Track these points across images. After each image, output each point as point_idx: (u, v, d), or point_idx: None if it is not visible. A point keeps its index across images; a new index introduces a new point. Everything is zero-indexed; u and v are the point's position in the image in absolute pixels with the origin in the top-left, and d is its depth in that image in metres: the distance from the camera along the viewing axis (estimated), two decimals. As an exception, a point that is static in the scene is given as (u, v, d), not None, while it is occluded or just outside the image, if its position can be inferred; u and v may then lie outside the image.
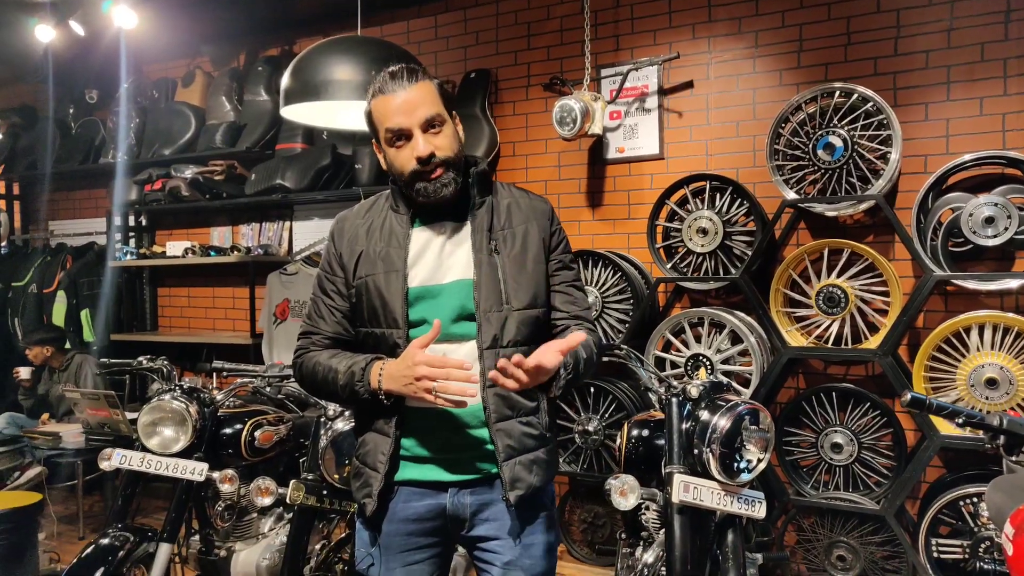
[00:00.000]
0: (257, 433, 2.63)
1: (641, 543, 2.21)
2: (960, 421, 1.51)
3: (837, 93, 3.12)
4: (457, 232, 1.61)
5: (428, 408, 1.51)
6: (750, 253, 3.29)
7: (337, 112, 2.93)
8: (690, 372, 3.28)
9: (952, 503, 2.85)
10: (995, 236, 2.80)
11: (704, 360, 3.27)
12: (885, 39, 3.23)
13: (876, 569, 3.10)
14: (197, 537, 2.72)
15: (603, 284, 3.57)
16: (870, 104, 3.05)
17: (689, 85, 3.63)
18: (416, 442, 1.59)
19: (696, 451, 1.90)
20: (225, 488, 2.40)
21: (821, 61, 3.35)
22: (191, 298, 5.19)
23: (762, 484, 3.05)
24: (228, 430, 2.61)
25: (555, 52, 3.93)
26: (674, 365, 3.35)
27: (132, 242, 5.21)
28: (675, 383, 2.02)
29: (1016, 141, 3.01)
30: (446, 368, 1.42)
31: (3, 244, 5.85)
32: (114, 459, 2.41)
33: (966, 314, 2.88)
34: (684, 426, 1.95)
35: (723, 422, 1.87)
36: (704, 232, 3.35)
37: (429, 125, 1.54)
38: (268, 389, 2.64)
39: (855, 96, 3.08)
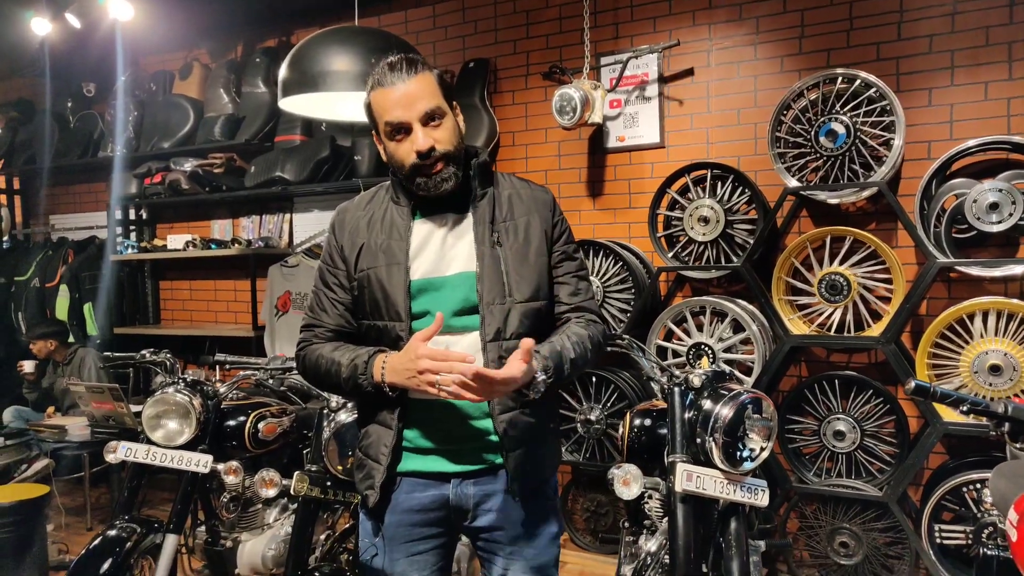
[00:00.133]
0: (260, 425, 2.65)
1: (644, 532, 2.22)
2: (964, 409, 1.51)
3: (839, 79, 3.10)
4: (459, 224, 1.61)
5: (431, 400, 1.51)
6: (752, 241, 3.28)
7: (336, 103, 2.92)
8: (692, 361, 3.28)
9: (955, 489, 2.85)
10: (999, 222, 2.79)
11: (706, 349, 3.26)
12: (888, 24, 3.20)
13: (879, 555, 3.11)
14: (203, 528, 2.75)
15: (604, 274, 3.56)
16: (873, 90, 3.03)
17: (689, 73, 3.61)
18: (419, 433, 1.59)
19: (699, 440, 1.90)
20: (230, 480, 2.42)
21: (823, 47, 3.33)
22: (193, 291, 5.19)
23: (764, 471, 3.06)
24: (232, 422, 2.62)
25: (554, 40, 3.91)
26: (676, 354, 3.35)
27: (133, 236, 5.21)
28: (677, 372, 2.02)
29: (1021, 126, 2.99)
30: (448, 361, 1.42)
31: (4, 239, 5.85)
32: (120, 452, 2.44)
33: (970, 300, 2.87)
34: (687, 415, 1.95)
35: (726, 411, 1.87)
36: (705, 221, 3.34)
37: (429, 118, 1.53)
38: (271, 381, 2.65)
39: (857, 82, 3.06)
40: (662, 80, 3.66)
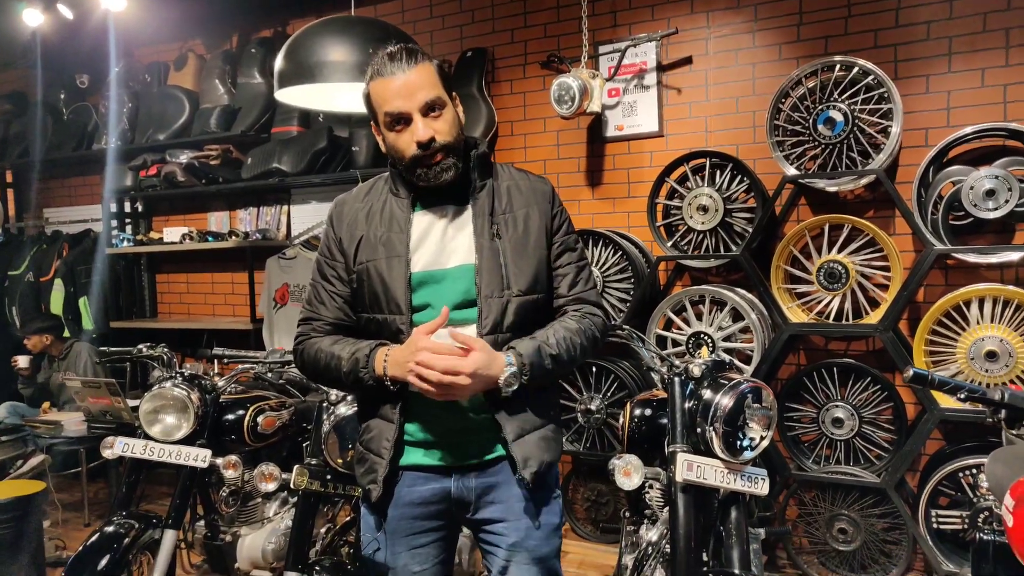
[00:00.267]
0: (259, 419, 2.64)
1: (645, 521, 2.22)
2: (962, 396, 1.52)
3: (837, 67, 3.09)
4: (459, 216, 1.60)
5: (432, 393, 1.50)
6: (751, 230, 3.27)
7: (333, 94, 2.90)
8: (691, 350, 3.29)
9: (952, 475, 2.87)
10: (996, 209, 2.79)
11: (705, 338, 3.27)
12: (886, 10, 3.19)
13: (877, 541, 3.12)
14: (202, 523, 2.75)
15: (604, 263, 3.56)
16: (871, 77, 3.03)
17: (688, 61, 3.59)
18: (420, 427, 1.59)
19: (699, 430, 1.91)
20: (229, 474, 2.41)
21: (821, 34, 3.32)
22: (190, 284, 5.18)
23: (764, 459, 3.07)
24: (230, 416, 2.61)
25: (552, 29, 3.89)
26: (675, 343, 3.35)
27: (129, 229, 5.18)
28: (677, 362, 2.02)
29: (1017, 112, 2.99)
30: (446, 356, 1.42)
31: (-2, 233, 5.83)
32: (117, 447, 2.42)
33: (966, 287, 2.88)
34: (687, 405, 1.96)
35: (726, 401, 1.87)
36: (704, 209, 3.34)
37: (429, 109, 1.52)
38: (270, 375, 2.64)
39: (855, 69, 3.05)
40: (660, 68, 3.64)
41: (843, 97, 3.09)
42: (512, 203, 1.62)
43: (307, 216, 4.65)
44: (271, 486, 2.39)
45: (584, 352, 1.59)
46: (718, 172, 3.39)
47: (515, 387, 1.48)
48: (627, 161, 3.76)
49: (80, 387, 3.76)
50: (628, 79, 3.71)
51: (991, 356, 2.81)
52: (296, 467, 2.39)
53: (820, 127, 3.10)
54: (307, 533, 2.37)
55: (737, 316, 3.26)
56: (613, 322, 3.14)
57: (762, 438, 1.90)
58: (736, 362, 3.18)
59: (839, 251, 3.12)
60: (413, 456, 1.60)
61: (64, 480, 4.33)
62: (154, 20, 4.69)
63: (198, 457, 2.41)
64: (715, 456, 1.89)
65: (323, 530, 2.65)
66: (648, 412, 2.20)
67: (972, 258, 2.99)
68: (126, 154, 4.98)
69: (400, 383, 1.51)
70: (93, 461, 4.00)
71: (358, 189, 1.70)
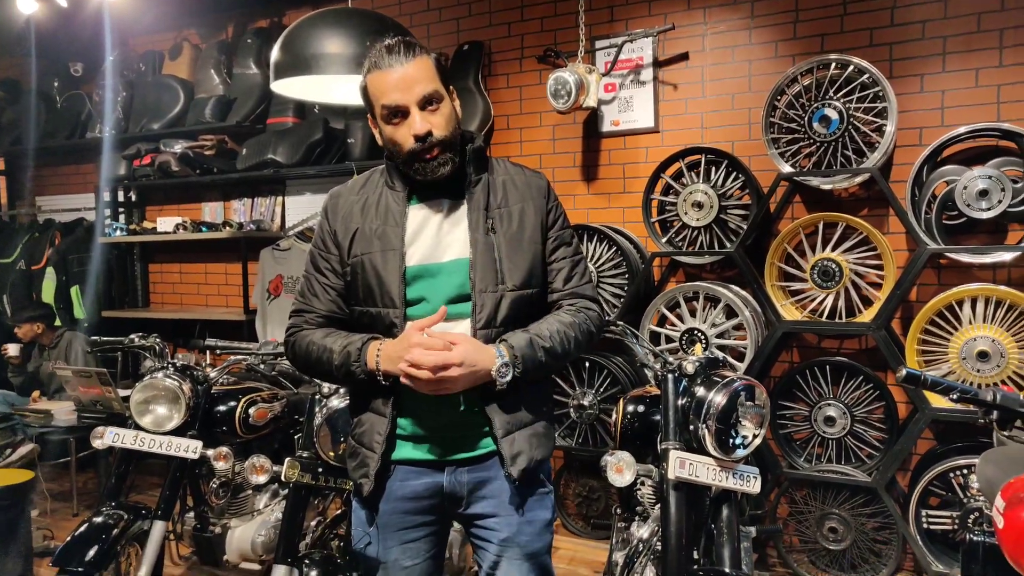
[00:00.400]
0: (251, 410, 2.63)
1: (636, 518, 2.22)
2: (954, 396, 1.52)
3: (833, 65, 3.09)
4: (454, 210, 1.59)
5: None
6: (745, 227, 3.28)
7: (329, 86, 2.88)
8: (685, 347, 3.29)
9: (942, 475, 2.88)
10: (989, 209, 2.80)
11: (699, 334, 3.27)
12: (882, 9, 3.19)
13: (867, 540, 3.14)
14: (192, 514, 2.73)
15: (598, 259, 3.56)
16: (866, 76, 3.03)
17: (684, 57, 3.58)
18: (413, 421, 1.58)
19: (692, 427, 1.91)
20: (219, 465, 2.40)
21: (817, 32, 3.31)
22: (183, 274, 5.15)
23: (756, 457, 3.07)
24: (222, 407, 2.60)
25: (549, 24, 3.87)
26: (669, 339, 3.36)
27: (122, 218, 5.16)
28: (671, 359, 2.02)
29: (1011, 113, 2.99)
30: (435, 352, 1.42)
31: (-10, 220, 5.79)
32: (107, 437, 2.41)
33: (959, 287, 2.89)
34: (680, 402, 1.95)
35: (719, 398, 1.87)
36: (699, 206, 3.34)
37: (427, 102, 1.51)
38: (262, 366, 2.63)
39: (851, 68, 3.05)
40: (657, 64, 3.63)
41: (838, 95, 3.09)
42: (508, 198, 1.61)
43: (302, 207, 4.63)
44: (262, 478, 2.37)
45: (578, 346, 1.59)
46: (713, 168, 3.39)
47: (508, 378, 1.48)
48: (623, 156, 3.76)
49: (71, 376, 3.74)
50: (624, 74, 3.70)
51: (983, 356, 2.82)
52: (287, 459, 2.37)
53: (815, 125, 3.10)
54: (297, 526, 2.36)
55: (731, 313, 3.27)
56: (607, 317, 3.14)
57: (755, 436, 1.90)
58: (729, 359, 3.21)
59: (833, 249, 3.13)
60: (405, 450, 1.59)
61: (53, 470, 4.31)
62: (150, 8, 4.65)
63: (189, 448, 2.39)
64: (707, 454, 1.89)
65: (313, 523, 2.64)
66: (641, 408, 2.20)
67: (965, 258, 3.00)
68: (120, 143, 4.95)
69: (392, 377, 1.51)
70: (83, 451, 3.99)
71: (353, 181, 1.69)
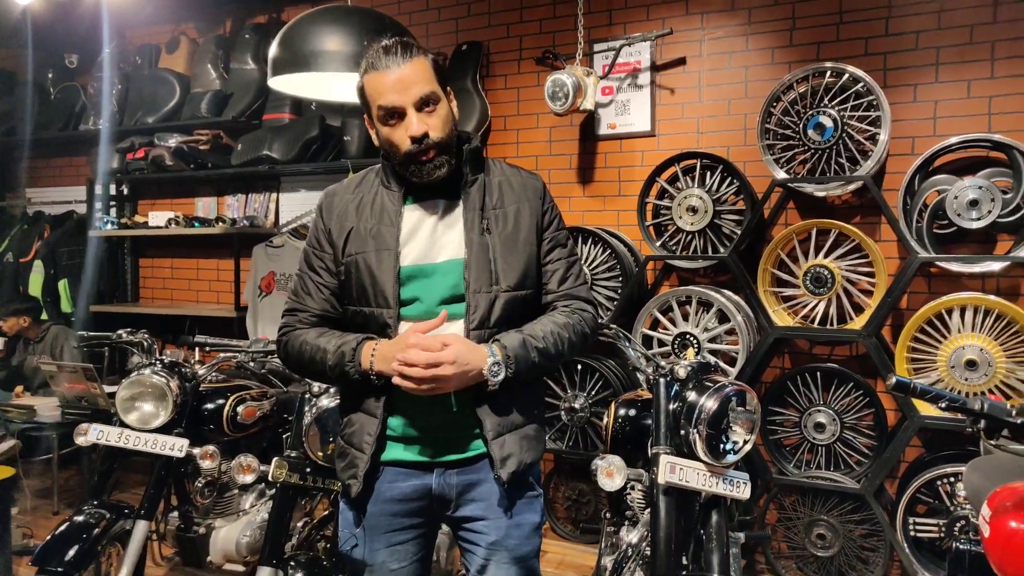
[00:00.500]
0: (240, 409, 2.61)
1: (626, 523, 2.22)
2: (943, 405, 1.52)
3: (828, 73, 3.10)
4: (450, 211, 1.59)
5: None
6: (739, 232, 3.28)
7: (327, 83, 2.87)
8: (677, 351, 3.29)
9: (930, 482, 2.89)
10: (979, 219, 2.81)
11: (691, 339, 3.27)
12: (877, 19, 3.20)
13: (854, 547, 3.15)
14: (175, 514, 2.69)
15: (592, 261, 3.56)
16: (860, 84, 3.04)
17: (682, 62, 3.59)
18: (404, 422, 1.57)
19: (683, 432, 1.91)
20: (206, 464, 2.37)
21: (813, 40, 3.33)
22: (174, 269, 5.12)
23: (746, 463, 3.08)
24: (210, 405, 2.58)
25: (548, 26, 3.87)
26: (661, 343, 3.36)
27: (113, 211, 5.12)
28: (663, 363, 2.02)
29: (1002, 124, 3.01)
30: (427, 352, 1.41)
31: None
32: (91, 434, 2.36)
33: (948, 296, 2.90)
34: (671, 407, 1.95)
35: (710, 403, 1.87)
36: (694, 210, 3.34)
37: (423, 104, 1.51)
38: (252, 364, 2.61)
39: (846, 76, 3.06)
40: (654, 68, 3.64)
41: (833, 103, 3.10)
42: (503, 199, 1.61)
43: (296, 204, 4.61)
44: (249, 478, 2.34)
45: (572, 347, 1.58)
46: (708, 173, 3.39)
47: (500, 378, 1.47)
48: (618, 160, 3.76)
49: (56, 371, 3.70)
50: (622, 78, 3.70)
51: (971, 365, 2.83)
52: (275, 459, 2.35)
53: (810, 132, 3.11)
54: (284, 527, 2.33)
55: (723, 318, 3.27)
56: (601, 320, 3.14)
57: (745, 442, 1.91)
58: (721, 364, 3.21)
59: (826, 256, 3.14)
60: (395, 451, 1.58)
61: (35, 466, 4.24)
62: (148, 1, 4.63)
63: (175, 446, 2.36)
64: (698, 459, 1.89)
65: (299, 524, 2.61)
66: (632, 412, 2.19)
67: (955, 267, 3.01)
68: (114, 136, 4.92)
69: (385, 378, 1.50)
70: (65, 447, 3.91)
71: (349, 180, 1.68)
